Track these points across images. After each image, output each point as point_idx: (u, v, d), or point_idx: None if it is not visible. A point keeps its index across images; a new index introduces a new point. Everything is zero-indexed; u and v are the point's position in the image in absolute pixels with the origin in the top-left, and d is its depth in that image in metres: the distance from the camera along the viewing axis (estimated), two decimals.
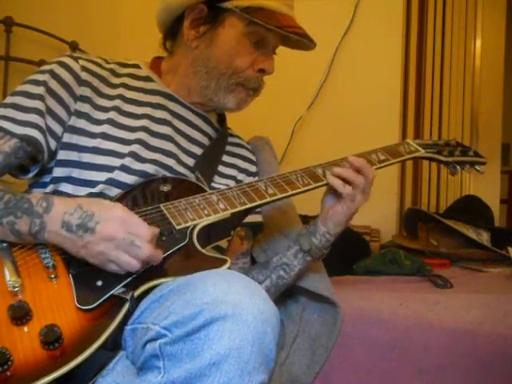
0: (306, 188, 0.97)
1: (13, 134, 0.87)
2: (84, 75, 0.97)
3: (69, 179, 0.92)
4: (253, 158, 1.18)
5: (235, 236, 1.09)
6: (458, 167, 1.15)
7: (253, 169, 1.15)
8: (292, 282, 1.05)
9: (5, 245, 0.78)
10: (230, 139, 1.16)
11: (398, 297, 1.23)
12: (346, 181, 0.97)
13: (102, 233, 0.73)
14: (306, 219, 1.84)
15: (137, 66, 1.08)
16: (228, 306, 0.63)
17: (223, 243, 1.04)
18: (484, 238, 1.88)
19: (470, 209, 2.00)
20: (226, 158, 1.12)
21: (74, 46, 1.90)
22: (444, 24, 2.32)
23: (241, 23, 0.98)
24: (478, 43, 2.37)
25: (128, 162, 0.94)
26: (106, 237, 0.73)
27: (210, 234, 0.91)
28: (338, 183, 0.97)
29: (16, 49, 1.73)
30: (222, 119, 1.17)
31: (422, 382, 1.03)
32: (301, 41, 1.02)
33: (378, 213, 2.16)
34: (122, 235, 0.73)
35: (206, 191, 0.94)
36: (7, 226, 0.77)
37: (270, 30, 0.97)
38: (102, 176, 0.92)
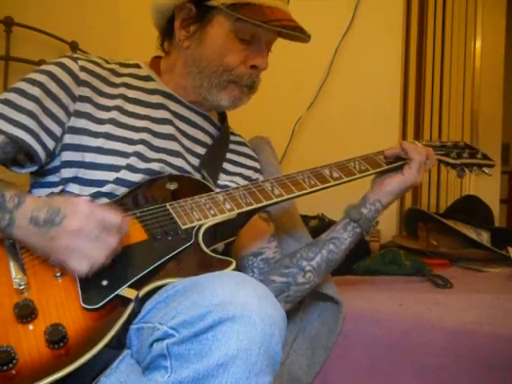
0: (312, 189, 0.96)
1: (1, 131, 0.87)
2: (83, 75, 0.97)
3: (75, 179, 0.92)
4: (255, 155, 1.18)
5: (260, 220, 1.09)
6: (466, 170, 1.14)
7: (258, 166, 1.16)
8: (342, 259, 1.06)
9: (11, 241, 0.78)
10: (232, 137, 1.16)
11: (398, 297, 1.23)
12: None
13: (69, 226, 0.72)
14: (305, 219, 1.85)
15: (137, 66, 1.08)
16: (236, 308, 0.62)
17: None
18: (484, 238, 1.88)
19: (470, 209, 2.00)
20: (230, 156, 1.12)
21: (74, 46, 1.90)
22: (444, 24, 2.33)
23: (228, 20, 0.98)
24: (478, 43, 2.37)
25: (133, 161, 0.94)
26: (72, 230, 0.72)
27: (216, 234, 0.91)
28: (411, 151, 1.02)
29: (16, 49, 1.73)
30: (222, 118, 1.17)
31: (421, 382, 1.03)
32: (293, 33, 1.01)
33: None
34: (88, 226, 0.72)
35: (212, 190, 0.94)
36: None
37: (258, 25, 0.97)
38: (110, 176, 0.92)
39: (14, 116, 0.89)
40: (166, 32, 1.07)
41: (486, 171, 1.17)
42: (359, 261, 1.66)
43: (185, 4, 0.99)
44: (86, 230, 0.72)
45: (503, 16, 2.40)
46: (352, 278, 1.56)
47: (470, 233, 1.85)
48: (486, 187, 2.32)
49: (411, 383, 1.04)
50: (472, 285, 1.43)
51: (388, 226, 2.17)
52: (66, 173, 0.92)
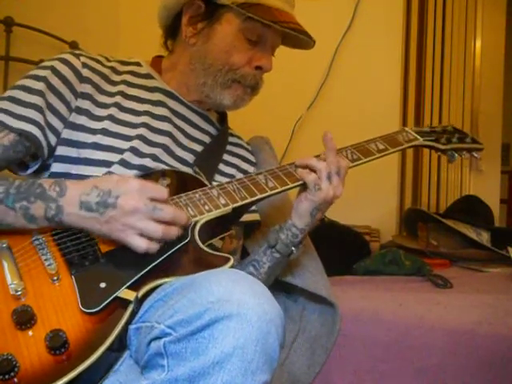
0: None
1: (10, 128, 0.87)
2: (85, 72, 0.97)
3: (67, 175, 0.91)
4: (252, 158, 1.18)
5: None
6: (455, 155, 1.14)
7: (251, 170, 1.15)
8: (264, 282, 0.99)
9: (4, 245, 0.77)
10: (231, 139, 1.16)
11: (397, 297, 1.23)
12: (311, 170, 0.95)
13: (125, 206, 0.74)
14: None
15: (137, 64, 1.08)
16: (233, 306, 0.62)
17: (217, 242, 1.03)
18: (484, 238, 1.88)
19: (470, 209, 2.00)
20: (226, 157, 1.11)
21: (73, 46, 1.90)
22: (444, 24, 2.32)
23: (237, 19, 0.98)
24: (478, 43, 2.37)
25: (127, 156, 0.94)
26: (128, 209, 0.74)
27: (210, 229, 0.90)
28: (301, 171, 0.95)
29: (16, 49, 1.73)
30: (222, 118, 1.17)
31: (421, 382, 1.03)
32: (300, 39, 1.01)
33: (378, 213, 2.16)
34: (143, 203, 0.75)
35: (205, 185, 0.93)
36: (20, 211, 0.77)
37: (266, 25, 0.97)
38: (101, 171, 0.91)
39: (22, 112, 0.88)
40: (171, 30, 1.07)
41: (476, 155, 1.16)
42: (359, 261, 1.66)
43: (194, 1, 0.99)
44: (141, 207, 0.74)
45: (503, 16, 2.40)
46: (352, 277, 1.56)
47: (470, 233, 1.85)
48: (486, 187, 2.32)
49: (411, 383, 1.04)
50: (472, 285, 1.43)
51: (388, 226, 2.17)
52: (57, 167, 0.92)
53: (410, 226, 2.09)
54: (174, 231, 0.78)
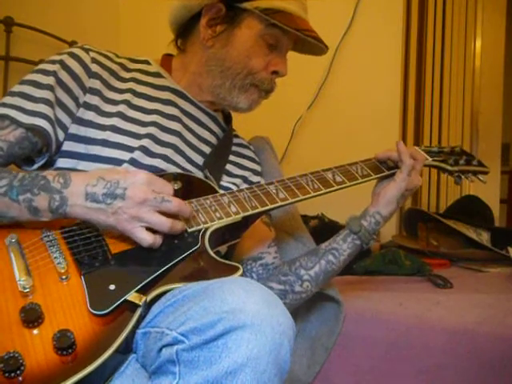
0: (316, 193, 0.96)
1: (20, 124, 0.86)
2: (94, 67, 0.97)
3: (74, 171, 0.91)
4: (256, 158, 1.19)
5: (262, 224, 1.09)
6: (462, 176, 1.14)
7: (259, 169, 1.16)
8: (339, 269, 1.04)
9: (14, 240, 0.76)
10: (235, 140, 1.17)
11: (397, 297, 1.23)
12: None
13: (134, 197, 0.74)
14: (305, 219, 1.85)
15: (146, 62, 1.08)
16: (247, 316, 0.62)
17: (222, 249, 1.03)
18: (484, 238, 1.88)
19: (470, 209, 2.00)
20: (232, 158, 1.12)
21: None
22: (444, 24, 2.32)
23: (259, 24, 0.99)
24: (478, 43, 2.37)
25: (138, 156, 0.94)
26: (138, 200, 0.74)
27: (219, 236, 0.90)
28: (405, 150, 1.00)
29: (16, 49, 1.73)
30: (227, 119, 1.17)
31: (421, 382, 1.03)
32: (311, 45, 1.04)
33: None
34: (152, 195, 0.75)
35: (216, 191, 0.93)
36: (24, 203, 0.76)
37: (287, 32, 0.98)
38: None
39: (31, 107, 0.88)
40: (182, 28, 1.07)
41: (481, 178, 1.17)
42: (359, 261, 1.66)
43: (215, 3, 0.99)
44: (150, 199, 0.74)
45: (503, 16, 2.40)
46: (352, 277, 1.56)
47: (470, 233, 1.85)
48: (486, 187, 2.31)
49: (411, 383, 1.04)
50: (472, 285, 1.42)
51: (388, 226, 2.15)
52: (63, 163, 0.92)
53: (410, 226, 2.08)
54: (180, 225, 0.79)
